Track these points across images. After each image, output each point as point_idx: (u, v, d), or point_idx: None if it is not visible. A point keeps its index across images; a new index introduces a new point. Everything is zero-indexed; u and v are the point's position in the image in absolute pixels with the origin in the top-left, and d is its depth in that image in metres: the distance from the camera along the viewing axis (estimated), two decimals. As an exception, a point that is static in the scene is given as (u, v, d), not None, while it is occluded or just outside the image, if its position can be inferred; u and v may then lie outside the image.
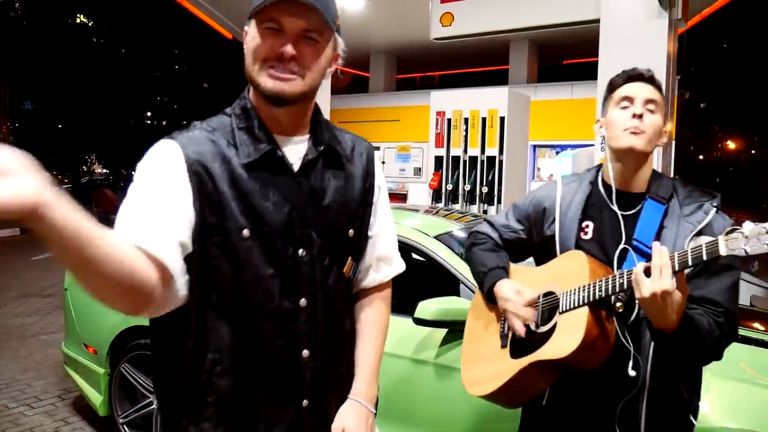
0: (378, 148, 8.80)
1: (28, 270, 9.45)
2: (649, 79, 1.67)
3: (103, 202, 21.12)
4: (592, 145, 10.36)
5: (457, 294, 2.72)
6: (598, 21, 5.02)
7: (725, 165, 55.47)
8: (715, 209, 1.59)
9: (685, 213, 1.61)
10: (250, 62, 1.23)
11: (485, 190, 5.51)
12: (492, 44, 9.40)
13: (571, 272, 1.62)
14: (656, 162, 4.83)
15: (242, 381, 1.26)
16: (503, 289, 1.74)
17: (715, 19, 10.42)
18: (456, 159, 5.72)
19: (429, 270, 3.15)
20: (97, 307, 3.58)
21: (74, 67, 24.02)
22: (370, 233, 1.45)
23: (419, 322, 2.61)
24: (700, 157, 48.27)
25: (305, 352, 1.29)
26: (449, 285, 2.82)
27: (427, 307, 2.60)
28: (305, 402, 1.31)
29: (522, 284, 1.74)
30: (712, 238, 1.34)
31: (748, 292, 4.72)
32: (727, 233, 1.32)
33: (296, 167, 1.29)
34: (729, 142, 55.10)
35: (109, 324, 3.46)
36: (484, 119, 5.49)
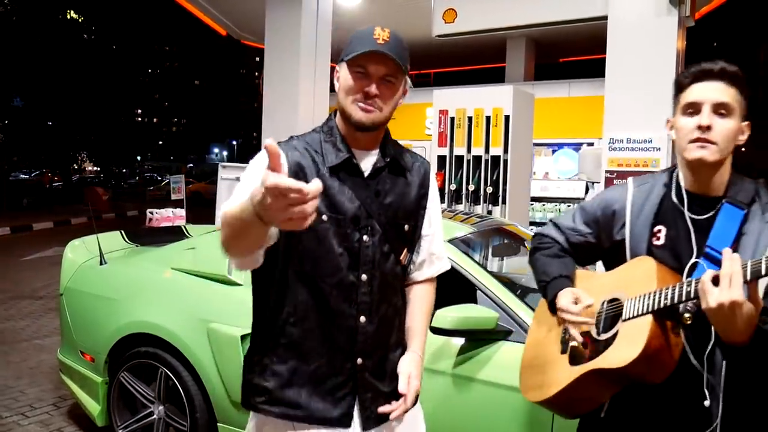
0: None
1: (19, 271, 9.28)
2: (720, 74, 1.52)
3: (94, 200, 20.93)
4: (592, 143, 10.41)
5: (474, 301, 2.61)
6: (605, 18, 4.93)
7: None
8: None
9: (767, 219, 1.51)
10: (342, 96, 1.61)
11: (490, 190, 5.41)
12: (489, 42, 9.33)
13: (638, 279, 1.55)
14: (665, 161, 4.75)
15: (309, 333, 1.61)
16: (561, 299, 1.66)
17: (708, 18, 10.39)
18: (459, 158, 5.62)
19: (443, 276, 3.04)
20: (94, 314, 3.46)
21: (64, 64, 23.77)
22: (424, 232, 1.78)
23: (437, 331, 2.50)
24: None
25: (362, 318, 1.63)
26: (464, 291, 2.70)
27: (445, 316, 2.50)
28: (359, 360, 1.63)
29: (585, 290, 1.66)
30: None
31: None
32: None
33: (367, 173, 1.66)
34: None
35: (107, 331, 3.34)
36: (488, 118, 5.39)
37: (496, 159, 5.43)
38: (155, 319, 3.17)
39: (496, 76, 12.68)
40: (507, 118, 5.30)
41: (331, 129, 1.67)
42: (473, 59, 13.14)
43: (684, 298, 1.41)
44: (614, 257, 1.69)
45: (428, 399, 2.53)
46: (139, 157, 44.94)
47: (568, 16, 5.33)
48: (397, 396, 1.67)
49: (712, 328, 1.45)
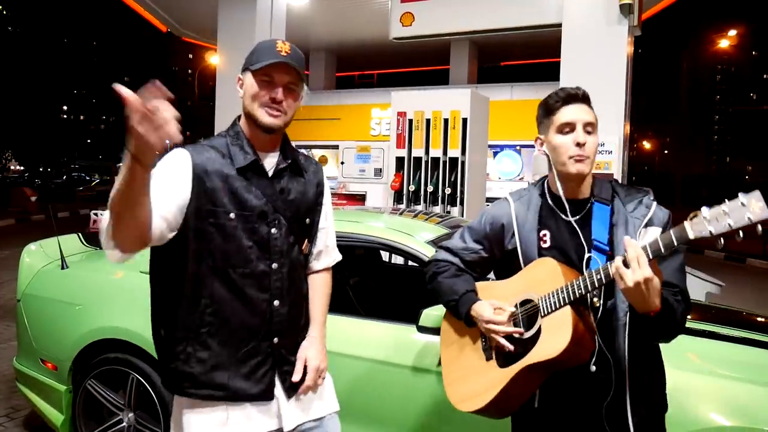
0: (337, 147, 8.68)
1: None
2: (584, 98, 1.81)
3: (21, 201, 19.95)
4: (533, 146, 10.70)
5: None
6: (560, 25, 5.10)
7: (640, 164, 58.26)
8: (654, 203, 1.78)
9: (629, 210, 1.78)
10: (249, 102, 1.79)
11: (448, 191, 5.50)
12: (433, 44, 9.45)
13: (544, 278, 1.74)
14: (617, 163, 4.96)
15: (228, 320, 1.78)
16: (483, 311, 1.84)
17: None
18: (418, 160, 5.68)
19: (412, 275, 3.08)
20: (57, 320, 3.33)
21: (-14, 58, 22.55)
22: (321, 225, 2.02)
23: (424, 330, 2.55)
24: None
25: (276, 302, 1.83)
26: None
27: (429, 315, 2.55)
28: (276, 339, 1.84)
29: (495, 298, 1.86)
30: (678, 226, 1.50)
31: (702, 289, 4.93)
32: (691, 218, 1.47)
33: (271, 173, 1.85)
34: (644, 143, 57.94)
35: (71, 338, 3.22)
36: (446, 120, 5.48)
37: (454, 161, 5.52)
38: (126, 324, 3.08)
39: (441, 78, 12.84)
40: (465, 120, 5.41)
41: (237, 133, 1.85)
42: (417, 61, 13.27)
43: (596, 286, 1.64)
44: (508, 265, 1.90)
45: (416, 396, 2.59)
46: (66, 157, 43.09)
47: (525, 23, 5.49)
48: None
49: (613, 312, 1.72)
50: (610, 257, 1.71)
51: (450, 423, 2.53)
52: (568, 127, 1.77)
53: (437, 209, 5.56)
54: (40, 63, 25.06)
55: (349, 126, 11.63)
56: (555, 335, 1.66)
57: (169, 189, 1.68)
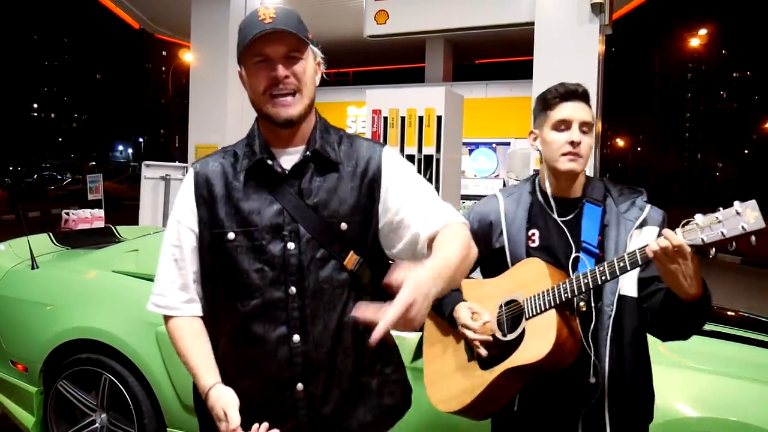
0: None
1: None
2: (583, 95, 1.76)
3: (-10, 201, 19.55)
4: (508, 144, 10.80)
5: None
6: (532, 24, 5.16)
7: (614, 161, 59.03)
8: (648, 204, 1.74)
9: (621, 211, 1.74)
10: (255, 95, 1.44)
11: (423, 188, 5.52)
12: (408, 42, 9.47)
13: (531, 279, 1.70)
14: (589, 160, 5.03)
15: (239, 369, 1.47)
16: (461, 315, 1.75)
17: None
18: (393, 157, 5.69)
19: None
20: (27, 321, 3.29)
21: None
22: (397, 218, 1.48)
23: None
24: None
25: (296, 337, 1.43)
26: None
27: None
28: (299, 386, 1.44)
29: (477, 297, 1.80)
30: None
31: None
32: (683, 225, 1.44)
33: (288, 172, 1.48)
34: (618, 140, 58.72)
35: (42, 339, 3.17)
36: (420, 118, 5.51)
37: (429, 158, 5.55)
38: (98, 324, 3.05)
39: (416, 76, 12.87)
40: (439, 118, 5.44)
41: (252, 132, 1.54)
42: (392, 59, 13.28)
43: (584, 289, 1.60)
44: (495, 264, 1.85)
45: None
46: (36, 156, 42.34)
47: (498, 21, 5.54)
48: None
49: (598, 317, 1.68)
50: (600, 259, 1.68)
51: (428, 424, 2.55)
52: (563, 125, 1.73)
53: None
54: (8, 60, 24.60)
55: (324, 124, 11.60)
56: (538, 339, 1.62)
57: (184, 257, 1.50)
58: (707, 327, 2.81)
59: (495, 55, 12.91)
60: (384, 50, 11.61)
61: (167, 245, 1.53)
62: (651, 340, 1.84)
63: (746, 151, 69.74)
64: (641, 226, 1.70)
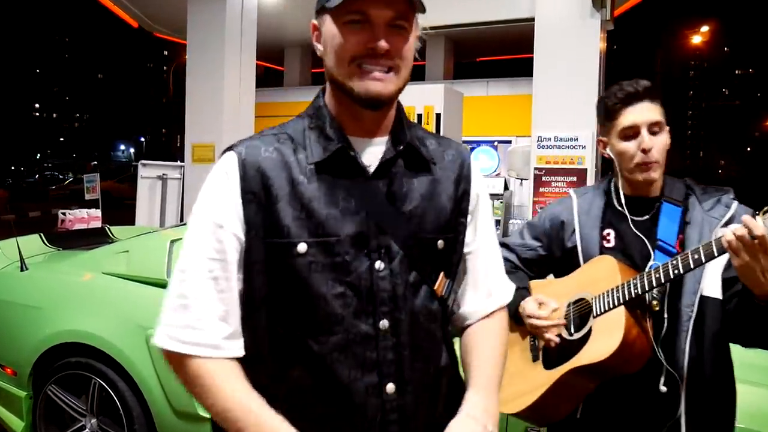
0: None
1: None
2: (645, 93, 1.62)
3: (-9, 201, 19.53)
4: (509, 142, 10.73)
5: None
6: (532, 20, 5.08)
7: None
8: (735, 201, 1.61)
9: (706, 209, 1.62)
10: (334, 63, 1.11)
11: (422, 187, 5.48)
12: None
13: (601, 276, 1.61)
14: (590, 157, 4.96)
15: (310, 419, 1.10)
16: (527, 307, 1.69)
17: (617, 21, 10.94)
18: (392, 156, 5.65)
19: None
20: (16, 324, 3.22)
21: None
22: (466, 249, 1.26)
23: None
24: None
25: (390, 387, 1.11)
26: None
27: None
28: None
29: (548, 296, 1.70)
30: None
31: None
32: (764, 212, 1.31)
33: (372, 169, 1.14)
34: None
35: (31, 342, 3.11)
36: (419, 116, 5.45)
37: (427, 156, 5.49)
38: (88, 328, 2.98)
39: (416, 74, 12.80)
40: (438, 116, 5.39)
41: (318, 109, 1.18)
42: (393, 57, 13.22)
43: (655, 284, 1.49)
44: (566, 265, 1.76)
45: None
46: (38, 155, 42.41)
47: (498, 17, 5.48)
48: None
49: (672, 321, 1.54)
50: None
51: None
52: (631, 131, 1.61)
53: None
54: (10, 60, 24.54)
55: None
56: (605, 337, 1.52)
57: (228, 275, 1.11)
58: None
59: (496, 52, 12.83)
60: (385, 48, 11.55)
61: (200, 258, 1.10)
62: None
63: (748, 149, 69.64)
64: (727, 224, 1.56)
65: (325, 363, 1.09)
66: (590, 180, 4.82)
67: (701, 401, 1.55)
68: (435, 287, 1.17)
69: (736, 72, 78.71)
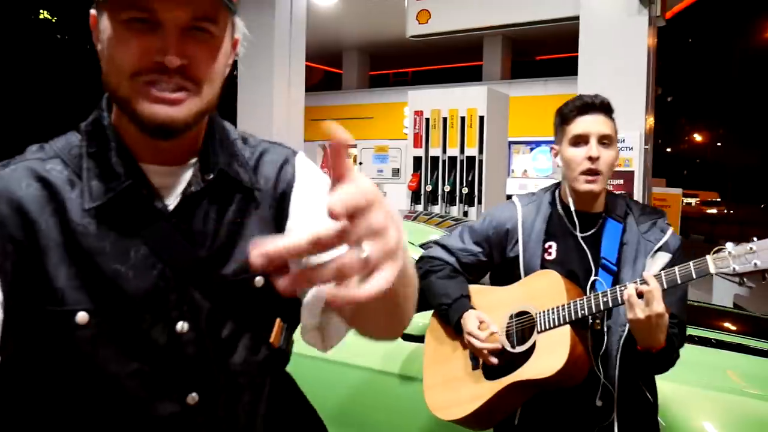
0: (355, 146, 8.67)
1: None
2: (601, 107, 1.69)
3: None
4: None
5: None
6: (577, 18, 4.96)
7: (692, 157, 56.69)
8: (670, 227, 1.69)
9: (642, 230, 1.68)
10: (115, 74, 0.83)
11: (465, 190, 5.43)
12: (465, 40, 9.36)
13: (545, 292, 1.65)
14: (638, 160, 4.80)
15: None
16: (468, 323, 1.74)
17: (682, 15, 10.52)
18: (435, 159, 5.63)
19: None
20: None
21: None
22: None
23: (408, 337, 2.51)
24: (668, 149, 49.54)
25: None
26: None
27: (416, 322, 2.50)
28: None
29: (486, 305, 1.77)
30: (699, 260, 1.42)
31: (732, 290, 4.71)
32: (714, 252, 1.40)
33: (172, 206, 0.89)
34: (695, 135, 56.28)
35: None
36: (462, 118, 5.41)
37: (471, 159, 5.45)
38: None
39: (474, 75, 12.71)
40: (482, 118, 5.34)
41: (100, 130, 0.90)
42: (451, 58, 13.17)
43: (602, 308, 1.55)
44: (506, 273, 1.80)
45: (404, 405, 2.55)
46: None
47: (540, 17, 5.38)
48: None
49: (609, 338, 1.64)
50: (616, 277, 1.65)
51: (439, 430, 2.49)
52: (581, 140, 1.67)
53: (454, 209, 5.50)
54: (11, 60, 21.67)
55: (383, 125, 11.63)
56: (550, 355, 1.58)
57: None
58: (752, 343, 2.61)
59: (554, 50, 12.59)
60: (440, 49, 11.53)
61: None
62: (720, 364, 1.78)
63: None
64: (660, 249, 1.65)
65: None
66: (637, 185, 4.65)
67: (630, 407, 1.65)
68: (271, 338, 0.96)
69: (825, 63, 74.07)
